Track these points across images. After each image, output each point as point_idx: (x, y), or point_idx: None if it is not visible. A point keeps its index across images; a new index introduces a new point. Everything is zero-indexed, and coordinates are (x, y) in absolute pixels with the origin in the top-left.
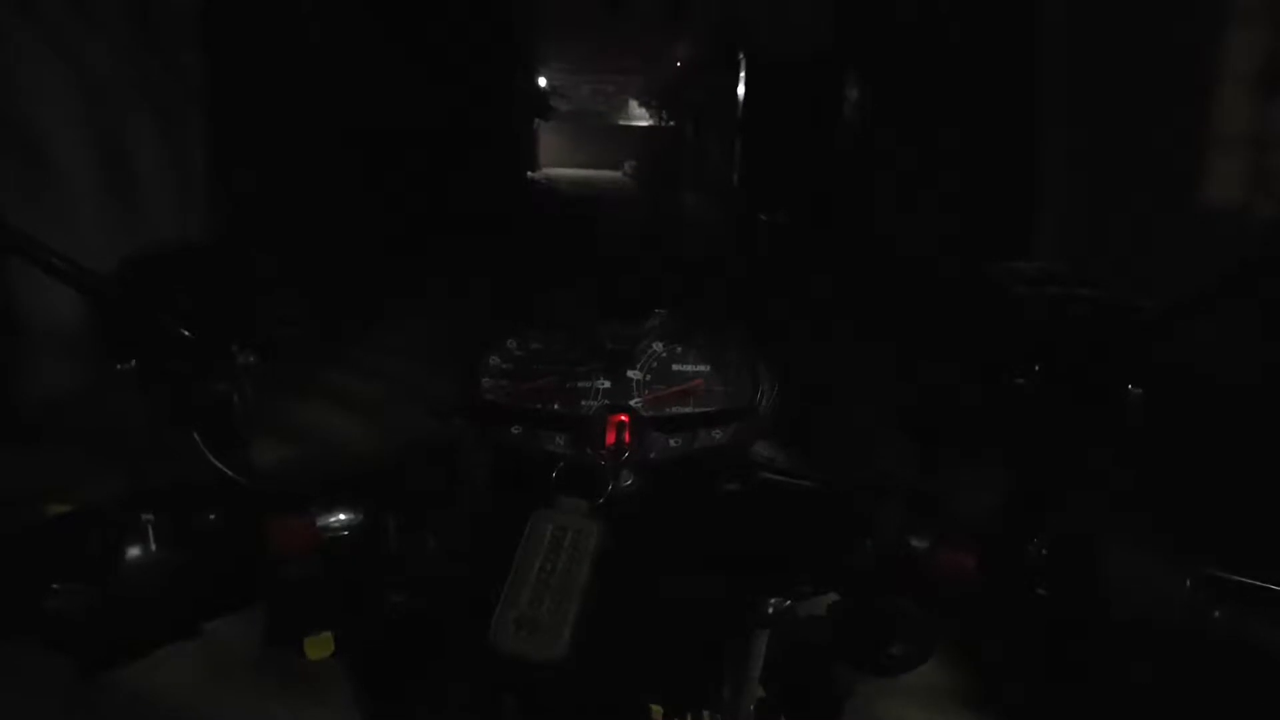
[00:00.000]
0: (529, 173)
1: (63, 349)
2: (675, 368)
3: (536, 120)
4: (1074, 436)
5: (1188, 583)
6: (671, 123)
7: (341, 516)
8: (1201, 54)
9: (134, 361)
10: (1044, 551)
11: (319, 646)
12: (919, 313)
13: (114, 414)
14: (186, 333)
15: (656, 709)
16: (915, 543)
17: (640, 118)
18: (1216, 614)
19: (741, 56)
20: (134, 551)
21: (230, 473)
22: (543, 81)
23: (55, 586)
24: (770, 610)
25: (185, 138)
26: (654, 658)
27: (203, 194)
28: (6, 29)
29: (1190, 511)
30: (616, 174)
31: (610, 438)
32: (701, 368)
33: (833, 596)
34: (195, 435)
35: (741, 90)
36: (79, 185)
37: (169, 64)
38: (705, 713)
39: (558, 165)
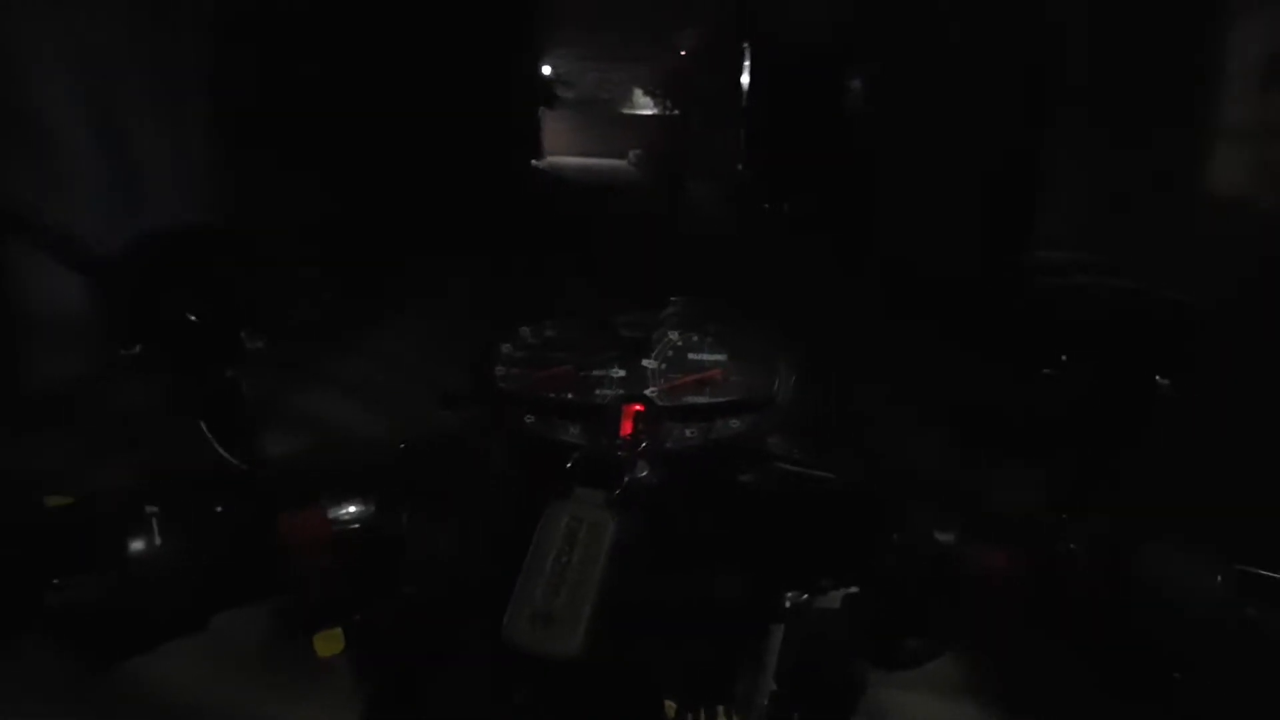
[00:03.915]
0: (533, 161)
1: (67, 335)
2: (691, 357)
3: (541, 108)
4: (1103, 429)
5: (1219, 578)
6: (676, 111)
7: (353, 508)
8: (1213, 45)
9: (138, 347)
10: (1074, 547)
11: (329, 643)
12: (941, 304)
13: (117, 401)
14: (193, 317)
15: (670, 704)
16: (944, 539)
17: (646, 106)
18: (1249, 610)
19: (747, 45)
20: (140, 544)
21: (237, 463)
22: (548, 70)
23: (60, 580)
24: (788, 605)
25: (188, 120)
26: (668, 652)
27: (205, 177)
28: (9, 11)
29: (1220, 505)
30: (621, 162)
31: (626, 428)
32: (718, 357)
33: (849, 590)
34: (202, 425)
35: (746, 79)
36: (81, 168)
37: (172, 46)
38: (719, 708)
39: (562, 153)
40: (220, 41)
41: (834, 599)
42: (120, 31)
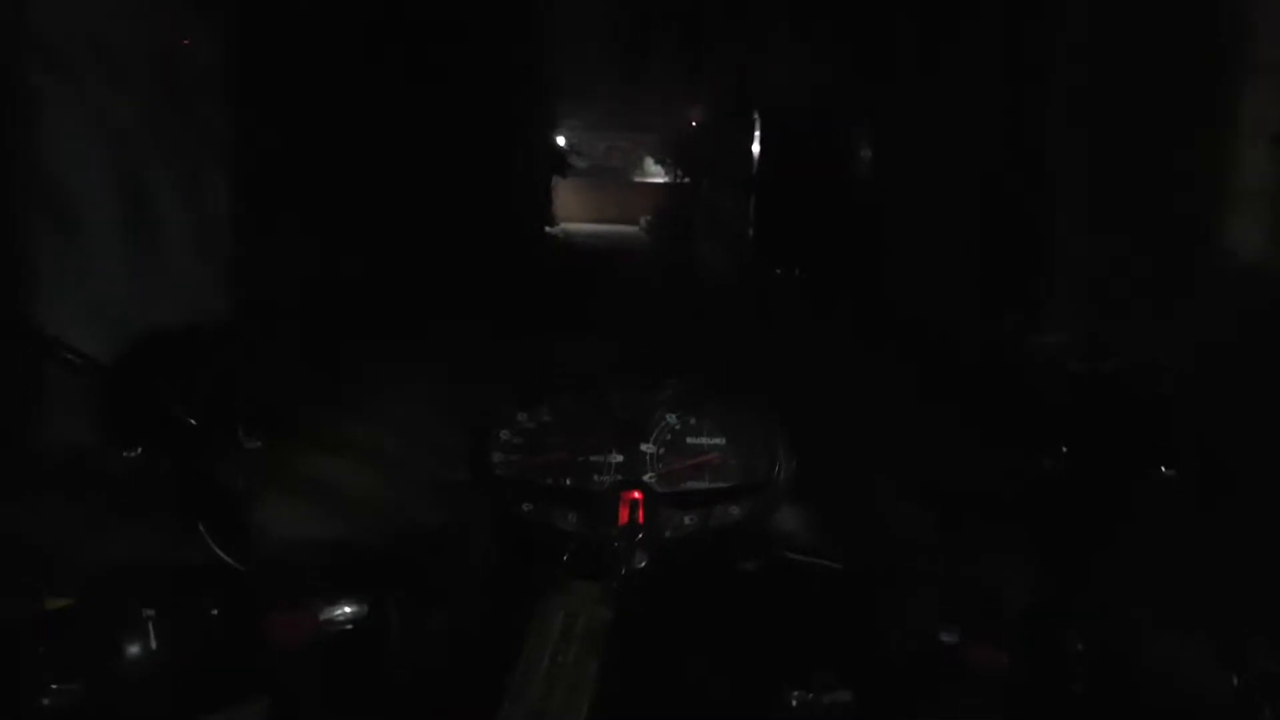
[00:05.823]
0: (547, 228)
1: (78, 401)
2: (690, 440)
3: (555, 178)
4: (1106, 519)
5: (1235, 680)
6: (687, 179)
7: (345, 609)
8: (1219, 108)
9: (139, 449)
10: (1080, 645)
11: None
12: (941, 387)
13: (116, 485)
14: (192, 421)
15: None
16: (946, 637)
17: (656, 174)
18: (1268, 712)
19: (756, 114)
20: (134, 649)
21: (233, 563)
22: (561, 140)
23: (55, 686)
24: (794, 703)
25: (210, 198)
26: None
27: (226, 254)
28: (34, 87)
29: (1231, 596)
30: (633, 229)
31: (623, 516)
32: (717, 440)
33: (854, 684)
34: (200, 526)
35: (756, 147)
36: (105, 245)
37: (193, 125)
38: None
39: (575, 220)
40: (239, 120)
41: (842, 694)
42: (141, 108)
